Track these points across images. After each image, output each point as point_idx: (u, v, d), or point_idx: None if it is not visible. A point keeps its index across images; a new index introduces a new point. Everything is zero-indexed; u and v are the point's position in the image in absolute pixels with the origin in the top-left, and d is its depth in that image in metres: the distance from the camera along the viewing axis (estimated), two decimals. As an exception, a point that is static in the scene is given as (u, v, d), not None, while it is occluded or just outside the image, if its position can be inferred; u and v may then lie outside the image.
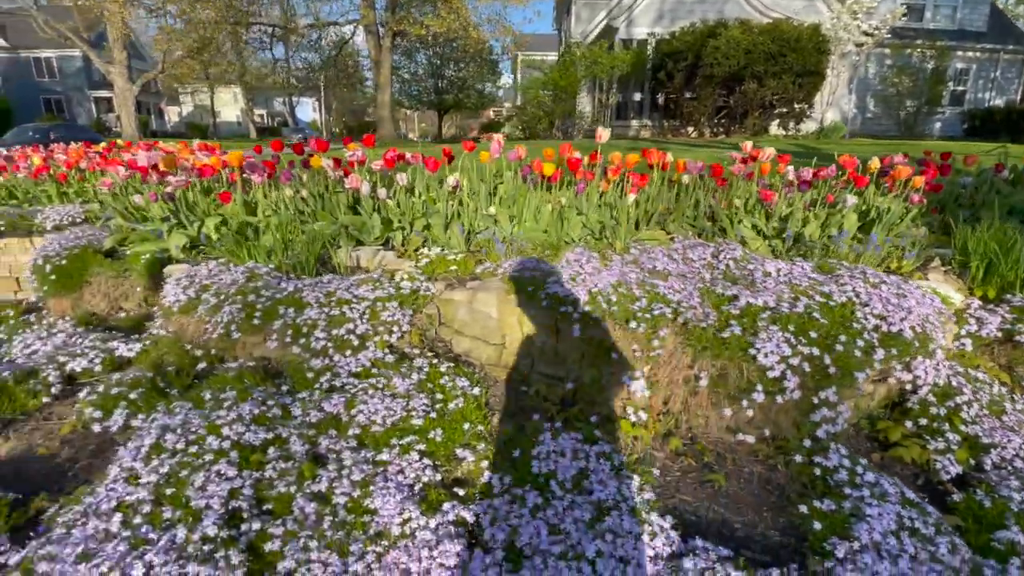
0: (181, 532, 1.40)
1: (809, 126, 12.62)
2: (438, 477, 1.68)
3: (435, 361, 2.18)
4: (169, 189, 3.41)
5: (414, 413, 1.85)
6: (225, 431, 1.70)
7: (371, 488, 1.57)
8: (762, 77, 10.68)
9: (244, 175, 3.48)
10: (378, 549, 1.40)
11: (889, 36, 12.69)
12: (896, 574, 1.40)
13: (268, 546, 1.41)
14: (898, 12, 11.70)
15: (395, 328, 2.23)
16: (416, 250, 2.88)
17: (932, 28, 16.04)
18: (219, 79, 35.52)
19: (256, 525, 1.47)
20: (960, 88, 16.17)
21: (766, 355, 1.70)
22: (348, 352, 2.14)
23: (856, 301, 1.88)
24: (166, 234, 3.27)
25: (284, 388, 2.01)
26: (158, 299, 3.10)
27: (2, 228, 4.58)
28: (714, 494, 1.74)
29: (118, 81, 26.31)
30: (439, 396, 1.94)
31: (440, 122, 31.58)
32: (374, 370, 2.10)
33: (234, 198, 3.07)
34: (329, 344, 2.14)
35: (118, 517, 1.44)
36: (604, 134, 2.78)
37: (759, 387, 1.72)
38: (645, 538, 1.44)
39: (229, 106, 47.10)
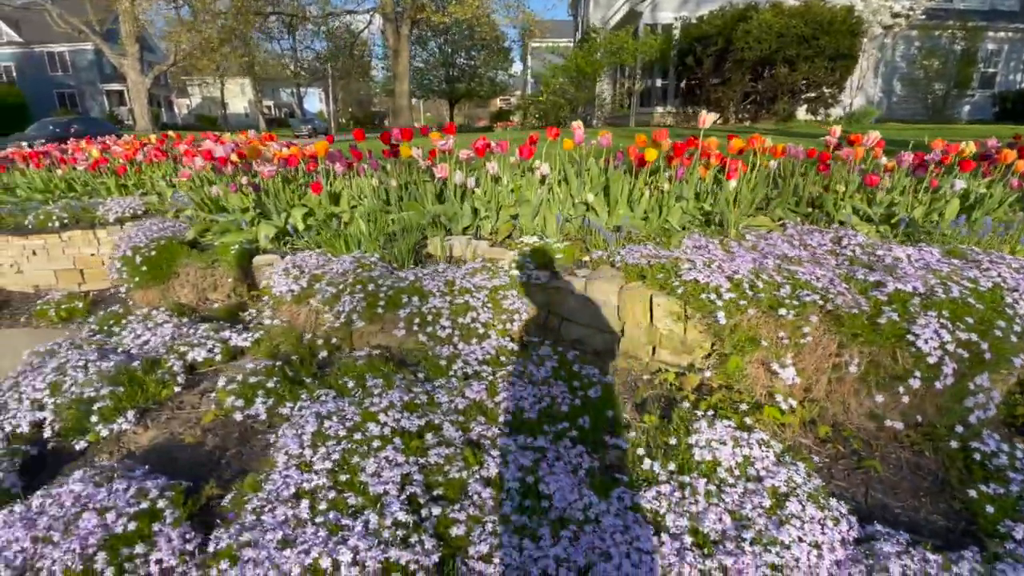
0: (372, 517, 1.41)
1: (837, 111, 12.42)
2: (596, 463, 1.69)
3: (560, 348, 2.19)
4: (246, 180, 3.42)
5: (558, 400, 1.86)
6: (382, 418, 1.72)
7: (539, 473, 1.58)
8: (794, 61, 10.50)
9: (325, 165, 3.48)
10: (567, 533, 1.41)
11: (923, 17, 12.41)
12: (1078, 556, 1.40)
13: (454, 531, 1.42)
14: (933, -7, 11.46)
15: (516, 316, 2.23)
16: (507, 238, 2.88)
17: (962, 8, 15.67)
18: (229, 71, 35.57)
19: (436, 510, 1.48)
20: (991, 70, 15.82)
21: (925, 341, 1.69)
22: (474, 340, 2.15)
23: (1004, 286, 1.85)
24: (248, 225, 3.29)
25: (420, 375, 2.02)
26: (247, 288, 3.13)
27: (66, 221, 4.62)
28: (868, 480, 1.74)
29: (131, 74, 26.38)
30: (576, 383, 1.94)
31: (451, 111, 31.38)
32: (501, 358, 2.10)
33: (323, 188, 3.06)
34: (454, 332, 2.15)
35: (305, 503, 1.46)
36: (708, 119, 2.75)
37: (916, 373, 1.71)
38: (830, 523, 1.44)
39: (237, 98, 47.22)
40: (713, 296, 1.89)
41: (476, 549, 1.38)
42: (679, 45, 11.49)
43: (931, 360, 1.70)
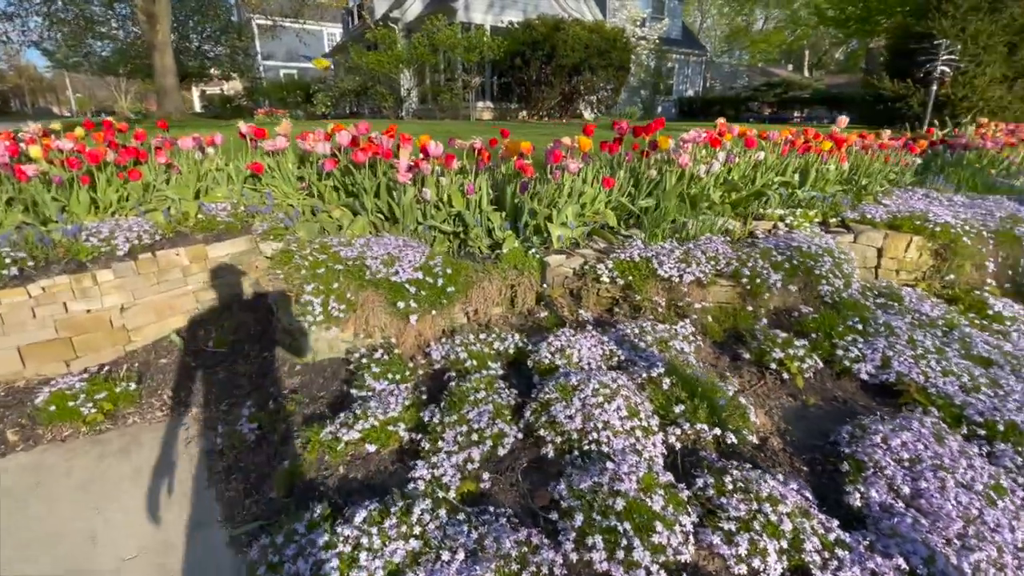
0: None
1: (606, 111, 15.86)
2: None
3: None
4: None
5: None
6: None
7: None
8: (596, 69, 13.02)
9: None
10: None
11: (658, 42, 16.91)
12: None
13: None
14: (662, 25, 15.77)
15: (853, 264, 3.08)
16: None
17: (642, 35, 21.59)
18: None
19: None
20: (671, 81, 22.42)
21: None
22: (846, 285, 2.91)
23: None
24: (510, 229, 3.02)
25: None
26: (535, 296, 2.94)
27: (29, 263, 3.01)
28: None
29: None
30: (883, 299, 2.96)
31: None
32: (868, 293, 2.94)
33: (615, 183, 3.10)
34: (837, 281, 2.86)
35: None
36: (844, 121, 3.99)
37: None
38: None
39: None
40: (957, 230, 3.18)
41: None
42: (509, 47, 12.68)
43: None
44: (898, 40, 11.25)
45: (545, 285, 2.87)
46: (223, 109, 27.22)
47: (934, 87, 9.01)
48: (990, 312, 2.91)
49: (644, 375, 2.08)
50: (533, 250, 2.85)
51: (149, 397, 2.84)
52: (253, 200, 3.63)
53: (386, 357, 2.51)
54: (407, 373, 2.44)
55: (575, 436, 1.85)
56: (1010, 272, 3.37)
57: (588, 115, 15.66)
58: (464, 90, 12.99)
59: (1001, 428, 1.89)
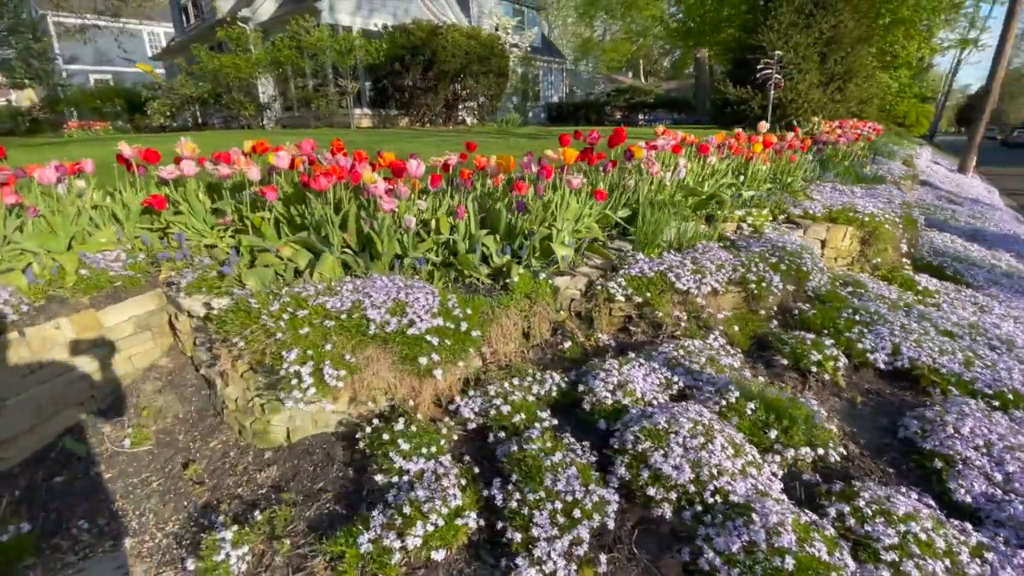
0: (988, 353, 2.50)
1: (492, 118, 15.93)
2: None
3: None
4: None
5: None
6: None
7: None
8: (477, 75, 12.93)
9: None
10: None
11: (530, 49, 17.28)
12: None
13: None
14: (532, 33, 16.19)
15: (816, 253, 3.32)
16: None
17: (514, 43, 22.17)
18: None
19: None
20: (538, 88, 23.28)
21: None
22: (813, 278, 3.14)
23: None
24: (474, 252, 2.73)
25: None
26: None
27: None
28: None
29: None
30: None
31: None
32: (834, 283, 3.20)
33: (605, 197, 2.93)
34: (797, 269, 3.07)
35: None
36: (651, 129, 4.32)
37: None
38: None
39: None
40: (880, 219, 3.62)
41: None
42: (388, 52, 11.95)
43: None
44: (736, 52, 12.96)
45: (560, 311, 2.63)
46: (15, 124, 21.98)
47: (771, 92, 10.53)
48: (919, 288, 3.36)
49: (722, 402, 1.97)
50: (543, 275, 2.59)
51: (52, 537, 2.04)
52: (156, 245, 2.83)
53: (412, 427, 2.06)
54: (441, 442, 2.03)
55: (691, 489, 1.65)
56: (912, 250, 3.95)
57: (470, 121, 15.56)
58: (341, 96, 12.01)
59: (1011, 397, 2.13)
